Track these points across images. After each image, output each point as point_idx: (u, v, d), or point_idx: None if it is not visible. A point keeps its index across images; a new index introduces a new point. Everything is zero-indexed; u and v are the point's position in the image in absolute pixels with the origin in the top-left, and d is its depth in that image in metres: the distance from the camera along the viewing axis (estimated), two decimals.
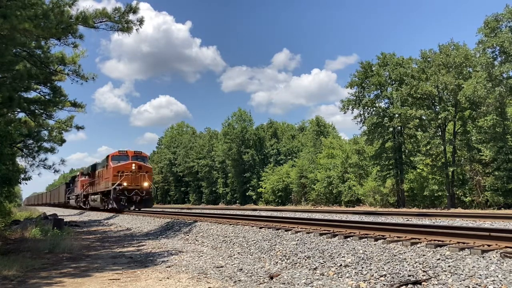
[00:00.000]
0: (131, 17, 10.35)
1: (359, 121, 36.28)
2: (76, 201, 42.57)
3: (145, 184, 25.45)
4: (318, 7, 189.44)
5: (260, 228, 10.25)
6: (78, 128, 19.18)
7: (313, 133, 55.69)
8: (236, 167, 61.71)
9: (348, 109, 36.40)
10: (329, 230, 8.55)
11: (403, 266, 5.51)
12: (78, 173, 44.00)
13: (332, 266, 6.27)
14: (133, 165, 25.38)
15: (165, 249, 9.86)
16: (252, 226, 10.77)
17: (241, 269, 6.75)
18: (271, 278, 6.03)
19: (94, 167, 33.19)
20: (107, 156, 27.32)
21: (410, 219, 13.20)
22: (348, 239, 7.45)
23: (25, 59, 12.44)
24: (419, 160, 32.52)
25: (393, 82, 34.86)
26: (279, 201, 51.79)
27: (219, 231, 11.30)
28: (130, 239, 13.10)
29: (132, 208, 25.69)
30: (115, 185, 24.76)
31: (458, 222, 11.82)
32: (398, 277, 5.23)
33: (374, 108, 35.78)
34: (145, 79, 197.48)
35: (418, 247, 6.13)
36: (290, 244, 8.01)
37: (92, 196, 32.75)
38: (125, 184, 24.87)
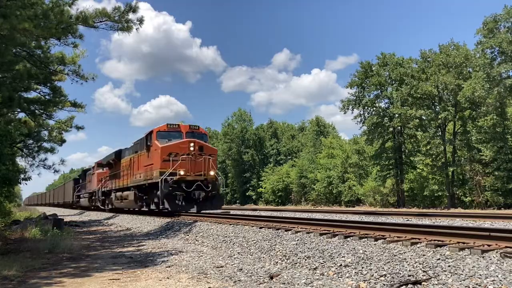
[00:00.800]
0: (131, 16, 10.42)
1: (359, 121, 36.33)
2: (90, 200, 34.42)
3: (211, 173, 17.46)
4: (318, 7, 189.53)
5: (260, 228, 10.24)
6: (78, 128, 19.30)
7: (313, 133, 55.74)
8: (236, 167, 61.73)
9: (348, 109, 36.45)
10: (329, 230, 8.54)
11: (403, 266, 5.51)
12: (93, 165, 34.69)
13: (332, 266, 6.26)
14: (192, 144, 17.11)
15: (165, 249, 9.86)
16: (252, 226, 10.77)
17: (241, 269, 6.75)
18: (271, 278, 6.03)
19: (118, 154, 25.21)
20: (150, 133, 18.87)
21: (410, 219, 13.20)
22: (348, 239, 7.45)
23: (25, 59, 12.47)
24: (419, 160, 32.53)
25: (393, 82, 34.88)
26: (279, 201, 51.80)
27: (219, 231, 11.30)
28: (130, 239, 13.10)
29: (193, 210, 17.38)
30: (166, 174, 16.53)
31: (458, 222, 11.81)
32: (398, 277, 5.22)
33: (374, 108, 35.80)
34: (145, 79, 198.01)
35: (418, 247, 6.13)
36: (290, 244, 8.01)
37: (118, 193, 24.23)
38: (181, 173, 16.68)
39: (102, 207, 29.65)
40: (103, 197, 29.23)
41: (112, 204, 26.30)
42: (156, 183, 17.18)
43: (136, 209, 22.23)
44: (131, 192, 21.32)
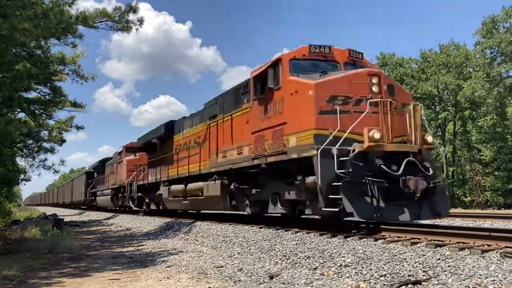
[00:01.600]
0: (131, 16, 10.43)
1: None
2: (114, 198, 25.18)
3: (429, 139, 8.35)
4: (318, 7, 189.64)
5: (260, 228, 10.23)
6: (78, 128, 19.26)
7: None
8: None
9: None
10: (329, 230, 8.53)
11: (403, 266, 5.51)
12: (119, 149, 25.09)
13: (332, 266, 6.26)
14: (375, 80, 7.95)
15: (165, 249, 9.87)
16: (252, 226, 10.76)
17: (241, 269, 6.75)
18: (271, 278, 6.03)
19: (170, 127, 16.65)
20: (273, 64, 9.17)
21: None
22: (348, 239, 7.44)
23: (25, 59, 12.46)
24: None
25: None
26: None
27: (219, 231, 11.29)
28: (130, 239, 13.10)
29: (404, 217, 7.69)
30: (337, 143, 7.43)
31: (458, 222, 11.81)
32: (398, 277, 5.22)
33: None
34: (146, 79, 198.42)
35: (418, 247, 6.13)
36: (290, 244, 8.00)
37: (176, 187, 15.42)
38: (375, 136, 7.52)
39: (137, 208, 20.94)
40: (140, 194, 20.55)
41: (162, 203, 17.53)
42: (299, 161, 8.38)
43: (225, 211, 13.55)
44: (213, 184, 12.09)
